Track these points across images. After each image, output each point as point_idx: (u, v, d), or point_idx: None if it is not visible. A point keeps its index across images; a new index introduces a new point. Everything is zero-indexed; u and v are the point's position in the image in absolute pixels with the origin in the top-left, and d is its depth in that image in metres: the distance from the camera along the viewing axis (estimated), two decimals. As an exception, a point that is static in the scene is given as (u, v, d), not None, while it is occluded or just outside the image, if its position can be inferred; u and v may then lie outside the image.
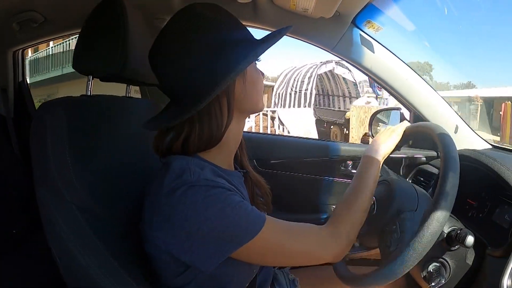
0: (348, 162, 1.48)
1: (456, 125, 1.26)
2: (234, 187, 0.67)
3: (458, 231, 0.76)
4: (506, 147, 1.17)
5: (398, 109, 1.35)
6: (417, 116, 1.29)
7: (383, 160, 0.86)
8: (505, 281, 0.72)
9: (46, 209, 0.70)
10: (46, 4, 1.28)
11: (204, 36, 0.67)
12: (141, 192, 0.76)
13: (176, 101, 0.73)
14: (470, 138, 1.26)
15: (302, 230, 0.69)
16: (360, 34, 1.25)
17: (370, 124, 1.46)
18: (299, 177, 1.53)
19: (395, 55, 1.25)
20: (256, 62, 0.76)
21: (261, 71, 0.77)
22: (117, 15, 0.82)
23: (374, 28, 1.19)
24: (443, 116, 1.27)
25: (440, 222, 0.67)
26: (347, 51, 1.28)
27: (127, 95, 1.10)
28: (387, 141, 0.88)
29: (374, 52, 1.25)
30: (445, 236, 0.78)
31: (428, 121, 1.26)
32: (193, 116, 0.68)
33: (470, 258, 0.81)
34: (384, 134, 0.91)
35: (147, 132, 0.95)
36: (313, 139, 1.74)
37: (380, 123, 1.50)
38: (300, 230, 0.69)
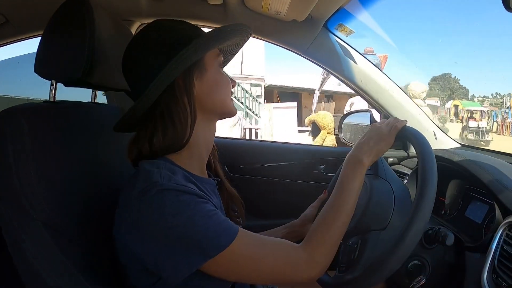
0: (320, 165, 1.49)
1: (434, 131, 1.31)
2: (205, 194, 0.65)
3: (437, 230, 0.77)
4: (475, 146, 1.22)
5: (368, 111, 1.37)
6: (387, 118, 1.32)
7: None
8: (485, 276, 0.74)
9: (9, 227, 0.65)
10: (8, 4, 1.21)
11: (163, 38, 0.71)
12: (111, 204, 0.72)
13: None
14: (442, 139, 1.32)
15: (276, 248, 0.66)
16: (332, 38, 1.27)
17: (340, 127, 1.46)
18: (270, 182, 1.52)
19: (367, 59, 1.28)
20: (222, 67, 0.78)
21: (231, 79, 0.78)
22: (82, 15, 0.78)
23: (346, 31, 1.21)
24: (419, 121, 1.31)
25: (402, 257, 0.68)
26: (319, 55, 1.30)
27: (93, 101, 1.04)
28: (373, 149, 0.77)
29: (345, 56, 1.27)
30: (423, 235, 0.79)
31: None
32: (155, 115, 0.69)
33: (448, 256, 0.83)
34: (375, 137, 0.79)
35: (115, 141, 0.90)
36: (284, 143, 1.74)
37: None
38: (274, 248, 0.66)
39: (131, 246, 0.62)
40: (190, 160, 0.73)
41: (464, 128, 15.13)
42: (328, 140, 5.70)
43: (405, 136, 0.80)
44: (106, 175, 0.87)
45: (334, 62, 1.28)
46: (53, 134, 0.75)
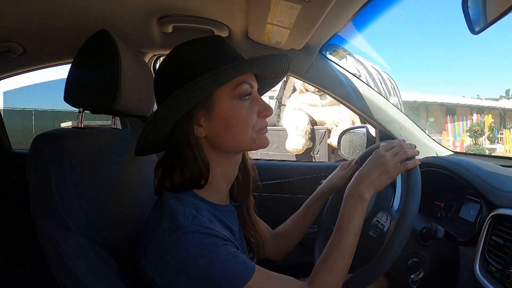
0: (322, 180, 1.57)
1: (435, 151, 1.38)
2: (226, 223, 0.71)
3: (429, 227, 0.86)
4: (466, 152, 1.31)
5: (364, 126, 1.44)
6: (383, 133, 1.40)
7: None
8: (477, 264, 0.81)
9: (49, 239, 0.71)
10: (27, 35, 1.28)
11: (177, 73, 0.71)
12: (135, 216, 0.80)
13: None
14: (437, 149, 1.40)
15: (286, 287, 0.71)
16: (327, 61, 1.38)
17: (339, 143, 1.52)
18: (277, 197, 1.59)
19: (359, 79, 1.39)
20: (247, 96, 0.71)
21: (266, 106, 0.73)
22: (108, 48, 0.85)
23: (339, 55, 1.33)
24: (418, 139, 1.38)
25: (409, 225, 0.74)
26: (316, 78, 1.40)
27: (113, 127, 1.13)
28: (375, 183, 0.74)
29: (339, 77, 1.38)
30: (418, 234, 0.87)
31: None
32: (172, 152, 0.72)
33: (443, 251, 0.90)
34: (378, 169, 0.75)
35: (135, 161, 0.97)
36: (285, 161, 1.82)
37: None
38: (284, 286, 0.70)
39: (152, 276, 0.65)
40: (211, 192, 0.73)
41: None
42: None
43: (409, 177, 0.77)
44: (130, 190, 0.94)
45: (329, 83, 1.38)
46: (85, 156, 0.82)
